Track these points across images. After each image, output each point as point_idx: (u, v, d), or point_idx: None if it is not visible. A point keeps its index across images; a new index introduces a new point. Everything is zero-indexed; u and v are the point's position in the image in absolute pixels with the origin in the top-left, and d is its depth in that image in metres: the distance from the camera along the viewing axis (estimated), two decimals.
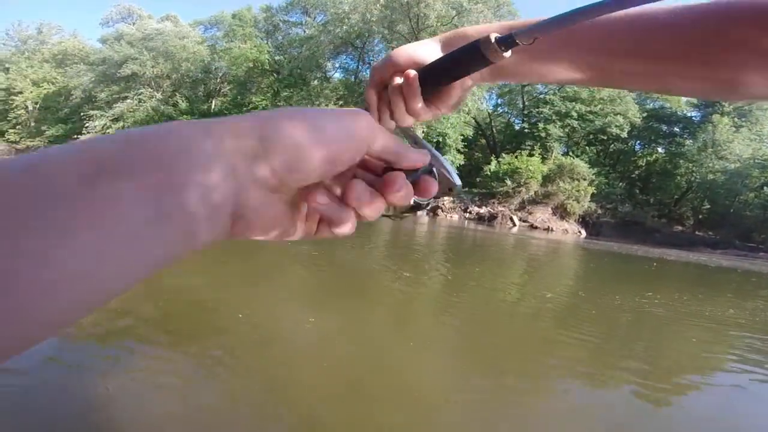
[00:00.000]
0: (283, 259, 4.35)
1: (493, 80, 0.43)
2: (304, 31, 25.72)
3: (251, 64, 25.07)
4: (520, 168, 18.28)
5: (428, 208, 0.37)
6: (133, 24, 31.29)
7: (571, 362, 2.39)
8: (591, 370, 2.32)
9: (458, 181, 0.36)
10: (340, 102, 20.47)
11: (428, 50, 0.41)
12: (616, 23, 0.35)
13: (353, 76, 24.03)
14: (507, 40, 0.32)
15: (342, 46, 23.05)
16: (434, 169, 0.35)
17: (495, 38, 0.32)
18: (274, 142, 0.20)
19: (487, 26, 0.39)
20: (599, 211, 19.01)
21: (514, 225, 17.04)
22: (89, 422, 1.37)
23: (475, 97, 20.51)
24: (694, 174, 21.56)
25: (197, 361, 1.92)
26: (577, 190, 18.25)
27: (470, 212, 17.83)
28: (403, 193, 0.25)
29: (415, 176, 0.27)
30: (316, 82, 22.14)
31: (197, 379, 1.76)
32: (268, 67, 25.38)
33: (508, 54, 0.33)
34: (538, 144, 20.50)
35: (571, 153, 21.45)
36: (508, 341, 2.76)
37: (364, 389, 1.85)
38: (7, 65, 31.91)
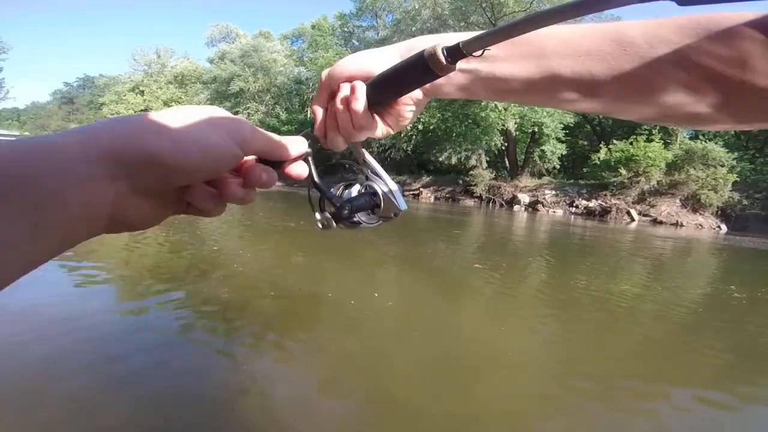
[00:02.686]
0: (383, 260, 4.22)
1: (438, 96, 0.39)
2: (378, 34, 25.98)
3: None
4: (637, 155, 15.95)
5: (370, 227, 0.38)
6: (232, 42, 34.76)
7: (692, 382, 2.01)
8: (715, 392, 1.93)
9: (404, 206, 0.36)
10: None
11: (379, 60, 0.36)
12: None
13: None
14: (454, 51, 0.29)
15: None
16: (379, 192, 0.36)
17: (442, 49, 0.29)
18: (142, 163, 0.20)
19: (445, 36, 0.35)
20: (744, 202, 15.70)
21: (633, 220, 14.90)
22: (203, 404, 1.42)
23: None
24: None
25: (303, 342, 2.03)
26: (714, 179, 15.32)
27: (577, 206, 16.05)
28: (265, 178, 0.28)
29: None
30: None
31: (302, 357, 1.84)
32: None
33: (455, 67, 0.30)
34: (658, 128, 17.74)
35: (701, 136, 18.16)
36: (620, 347, 2.40)
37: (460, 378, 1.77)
38: (141, 88, 37.80)
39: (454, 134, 19.49)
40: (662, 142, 16.70)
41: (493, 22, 19.02)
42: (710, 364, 2.18)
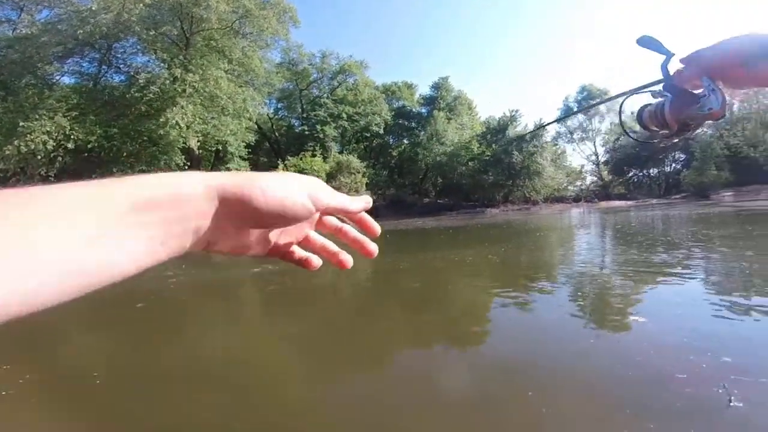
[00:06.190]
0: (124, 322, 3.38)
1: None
2: (14, 30, 18.12)
3: None
4: (306, 169, 19.44)
5: (698, 127, 0.53)
6: None
7: (386, 331, 2.91)
8: (403, 334, 2.85)
9: (716, 106, 0.46)
10: (74, 112, 15.50)
11: None
12: None
13: (92, 82, 18.76)
14: None
15: (77, 48, 17.57)
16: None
17: None
18: (237, 199, 0.27)
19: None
20: (374, 197, 22.63)
21: None
22: None
23: (256, 102, 20.04)
24: (427, 158, 28.45)
25: None
26: (355, 183, 21.08)
27: None
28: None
29: None
30: (30, 91, 15.83)
31: None
32: None
33: None
34: (318, 144, 22.28)
35: (345, 150, 24.38)
36: (338, 327, 3.08)
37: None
38: None
39: (123, 154, 16.47)
40: (322, 156, 21.18)
41: (188, 35, 17.62)
42: (390, 316, 2.88)
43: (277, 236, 0.34)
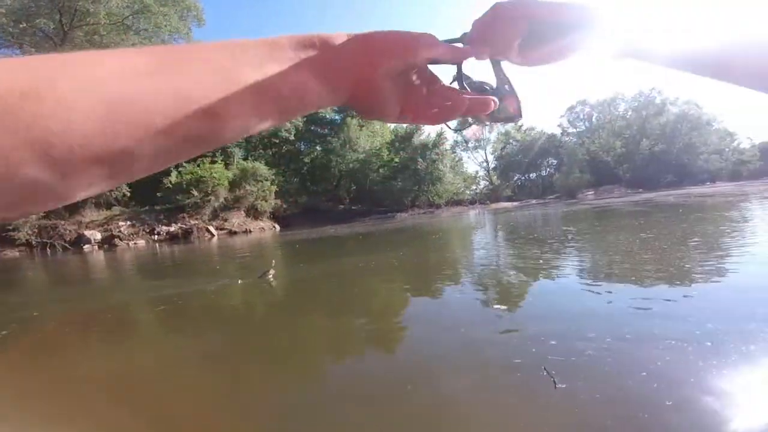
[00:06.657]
0: None
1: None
2: None
3: None
4: (205, 176, 17.92)
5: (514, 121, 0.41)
6: None
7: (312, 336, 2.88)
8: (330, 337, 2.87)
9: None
10: None
11: None
12: None
13: None
14: None
15: None
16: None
17: None
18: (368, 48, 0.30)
19: None
20: (284, 206, 21.90)
21: (213, 235, 16.76)
22: None
23: None
24: (341, 165, 28.56)
25: None
26: (263, 191, 20.13)
27: (159, 233, 15.82)
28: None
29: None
30: None
31: None
32: None
33: None
34: (219, 150, 20.69)
35: (250, 157, 23.11)
36: (260, 339, 2.96)
37: None
38: None
39: None
40: (223, 163, 19.72)
41: (66, 29, 15.72)
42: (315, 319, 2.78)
43: (406, 99, 0.35)
